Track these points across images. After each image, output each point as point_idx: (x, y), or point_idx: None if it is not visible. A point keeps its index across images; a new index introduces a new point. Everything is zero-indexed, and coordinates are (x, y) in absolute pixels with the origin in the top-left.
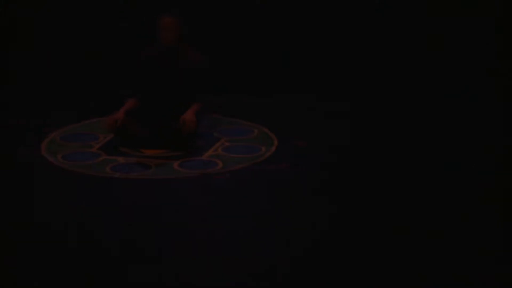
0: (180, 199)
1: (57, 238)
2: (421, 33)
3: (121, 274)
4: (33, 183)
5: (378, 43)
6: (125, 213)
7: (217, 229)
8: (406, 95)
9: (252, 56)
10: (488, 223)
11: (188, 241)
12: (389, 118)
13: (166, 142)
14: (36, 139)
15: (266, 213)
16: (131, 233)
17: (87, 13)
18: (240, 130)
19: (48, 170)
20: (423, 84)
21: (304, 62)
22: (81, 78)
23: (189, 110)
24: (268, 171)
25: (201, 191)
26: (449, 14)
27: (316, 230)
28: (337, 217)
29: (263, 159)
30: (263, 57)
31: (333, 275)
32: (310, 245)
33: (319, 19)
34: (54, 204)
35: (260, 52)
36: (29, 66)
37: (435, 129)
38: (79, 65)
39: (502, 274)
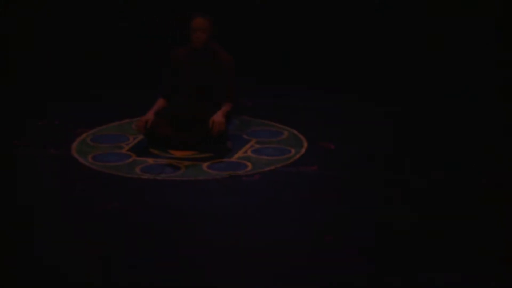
0: (208, 200)
1: (89, 238)
2: (421, 33)
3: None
4: (63, 183)
5: (378, 43)
6: (154, 214)
7: (246, 231)
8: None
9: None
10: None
11: (217, 241)
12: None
13: (195, 143)
14: (67, 140)
15: (295, 215)
16: (161, 234)
17: (87, 13)
18: (270, 132)
19: (78, 170)
20: (423, 84)
21: (325, 64)
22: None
23: (219, 112)
24: (298, 173)
25: (230, 193)
26: (449, 14)
27: (341, 231)
28: (363, 220)
29: (293, 161)
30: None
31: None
32: (338, 247)
33: (319, 19)
34: (84, 205)
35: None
36: (36, 65)
37: (435, 129)
38: (79, 65)
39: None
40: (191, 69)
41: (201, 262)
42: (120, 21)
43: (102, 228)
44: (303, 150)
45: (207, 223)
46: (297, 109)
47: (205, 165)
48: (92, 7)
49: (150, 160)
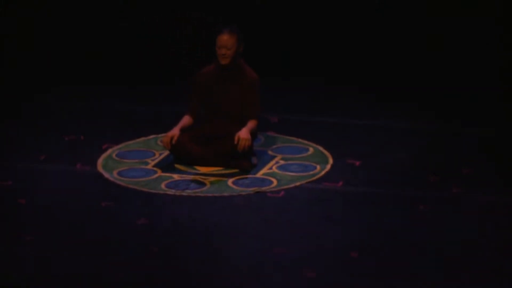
0: (233, 216)
1: (113, 253)
2: (421, 33)
3: None
4: (89, 199)
5: (378, 43)
6: (178, 230)
7: (271, 247)
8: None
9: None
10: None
11: (242, 258)
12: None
13: (221, 159)
14: (93, 155)
15: (321, 231)
16: (186, 250)
17: (87, 13)
18: (295, 148)
19: (104, 186)
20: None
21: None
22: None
23: (244, 128)
24: (323, 189)
25: (255, 209)
26: (449, 14)
27: (367, 248)
28: (389, 237)
29: (318, 177)
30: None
31: None
32: (363, 263)
33: (319, 19)
34: (110, 221)
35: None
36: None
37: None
38: (79, 65)
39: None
40: (217, 86)
41: (226, 278)
42: (120, 21)
43: (127, 244)
44: (328, 167)
45: (232, 239)
46: (322, 125)
47: (230, 181)
48: (92, 7)
49: (176, 176)
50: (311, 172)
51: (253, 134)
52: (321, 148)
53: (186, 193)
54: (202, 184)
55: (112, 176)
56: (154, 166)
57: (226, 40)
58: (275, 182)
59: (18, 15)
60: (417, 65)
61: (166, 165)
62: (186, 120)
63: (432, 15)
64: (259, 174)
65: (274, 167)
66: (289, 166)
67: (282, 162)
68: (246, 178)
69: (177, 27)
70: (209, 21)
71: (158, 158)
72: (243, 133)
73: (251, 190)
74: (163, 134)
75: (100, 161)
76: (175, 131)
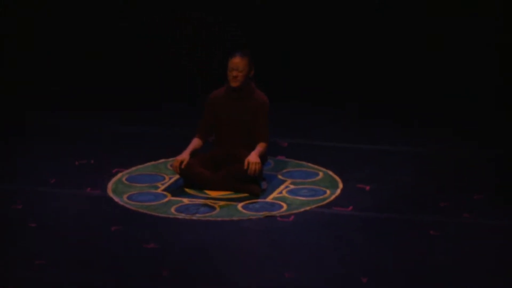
0: (243, 240)
1: (123, 277)
2: (421, 33)
3: None
4: (98, 223)
5: (378, 43)
6: (188, 254)
7: (281, 272)
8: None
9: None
10: None
11: (252, 282)
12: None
13: (230, 183)
14: (103, 180)
15: (331, 256)
16: (196, 274)
17: (87, 13)
18: (305, 173)
19: (113, 210)
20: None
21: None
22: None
23: (253, 152)
24: (333, 214)
25: (265, 233)
26: (449, 14)
27: (377, 273)
28: (400, 262)
29: (328, 202)
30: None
31: None
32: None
33: (319, 19)
34: (119, 245)
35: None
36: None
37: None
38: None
39: None
40: (227, 109)
41: None
42: (120, 21)
43: (137, 268)
44: (338, 191)
45: (242, 263)
46: (332, 149)
47: (240, 206)
48: (92, 7)
49: (186, 200)
50: (321, 197)
51: (263, 157)
52: (331, 173)
53: (196, 217)
54: (212, 208)
55: (122, 200)
56: (164, 190)
57: (237, 63)
58: (285, 206)
59: (18, 15)
60: (426, 86)
61: (176, 189)
62: (195, 143)
63: (432, 15)
64: (269, 199)
65: (284, 192)
66: (299, 191)
67: (292, 186)
68: (256, 202)
69: (177, 27)
70: (209, 21)
71: (168, 182)
72: (253, 157)
73: (261, 214)
74: (172, 158)
75: (110, 185)
76: (185, 156)
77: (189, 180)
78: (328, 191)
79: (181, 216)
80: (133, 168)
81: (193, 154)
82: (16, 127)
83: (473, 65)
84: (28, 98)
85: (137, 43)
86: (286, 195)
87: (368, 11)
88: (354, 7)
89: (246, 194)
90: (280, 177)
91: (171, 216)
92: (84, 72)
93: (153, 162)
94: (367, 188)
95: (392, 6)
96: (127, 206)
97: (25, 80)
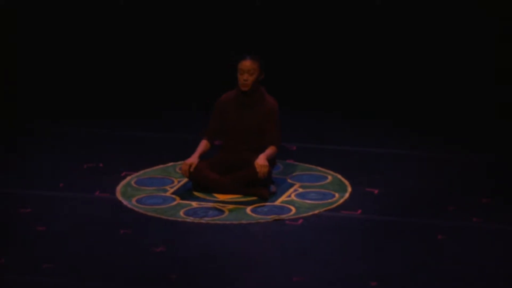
0: (252, 244)
1: (131, 280)
2: (421, 33)
3: None
4: (108, 226)
5: (378, 43)
6: (197, 258)
7: (289, 275)
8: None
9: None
10: None
11: (260, 286)
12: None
13: (239, 187)
14: (112, 183)
15: (339, 260)
16: (204, 278)
17: (87, 13)
18: (314, 176)
19: (122, 213)
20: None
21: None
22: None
23: (261, 154)
24: (341, 217)
25: (273, 237)
26: (449, 14)
27: (386, 277)
28: (408, 266)
29: (336, 205)
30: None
31: None
32: None
33: (319, 19)
34: (128, 249)
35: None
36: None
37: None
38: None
39: None
40: (237, 112)
41: None
42: (120, 21)
43: (145, 272)
44: (347, 195)
45: (250, 267)
46: (341, 153)
47: (248, 209)
48: (92, 7)
49: (194, 204)
50: (330, 200)
51: (271, 160)
52: (339, 176)
53: (204, 220)
54: (220, 211)
55: (130, 203)
56: (173, 193)
57: (248, 66)
58: (293, 210)
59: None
60: (434, 93)
61: (184, 193)
62: (203, 146)
63: (432, 15)
64: (278, 202)
65: (292, 195)
66: (308, 194)
67: (300, 190)
68: (265, 206)
69: (177, 28)
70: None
71: (177, 185)
72: (261, 160)
73: (270, 218)
74: (181, 162)
75: (119, 188)
76: (194, 159)
77: (198, 184)
78: (336, 195)
79: (189, 219)
80: (142, 172)
81: (201, 157)
82: (25, 132)
83: (474, 65)
84: (36, 105)
85: (142, 48)
86: (295, 198)
87: (368, 12)
88: (358, 11)
89: (254, 198)
90: (289, 180)
91: (179, 219)
92: (92, 78)
93: (162, 166)
94: (376, 192)
95: (392, 6)
96: (136, 209)
97: (33, 88)
